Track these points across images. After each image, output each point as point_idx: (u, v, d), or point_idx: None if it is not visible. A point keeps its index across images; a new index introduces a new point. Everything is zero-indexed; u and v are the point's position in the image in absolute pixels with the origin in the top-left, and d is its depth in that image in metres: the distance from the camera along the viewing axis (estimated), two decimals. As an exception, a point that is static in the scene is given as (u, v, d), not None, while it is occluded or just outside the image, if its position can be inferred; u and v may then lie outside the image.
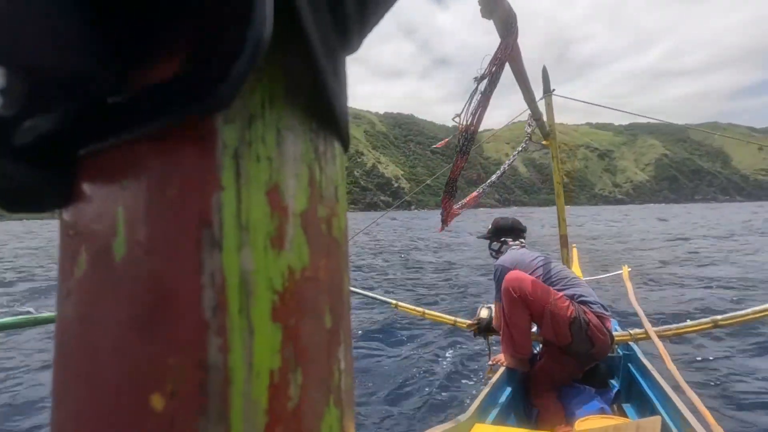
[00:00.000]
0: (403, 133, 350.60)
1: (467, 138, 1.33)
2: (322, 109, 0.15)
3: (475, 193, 2.12)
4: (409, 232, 21.18)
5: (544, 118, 2.31)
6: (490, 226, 2.15)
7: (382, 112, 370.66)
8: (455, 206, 1.72)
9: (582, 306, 1.69)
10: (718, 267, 7.34)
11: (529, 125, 2.17)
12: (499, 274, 1.84)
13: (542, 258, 1.93)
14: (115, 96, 0.12)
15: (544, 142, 2.42)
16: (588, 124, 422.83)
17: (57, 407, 0.13)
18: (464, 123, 1.29)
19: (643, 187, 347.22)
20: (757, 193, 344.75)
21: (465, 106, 1.28)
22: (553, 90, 2.41)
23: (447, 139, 1.78)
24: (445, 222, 1.74)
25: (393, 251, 11.69)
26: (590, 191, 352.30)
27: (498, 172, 2.28)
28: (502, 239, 2.07)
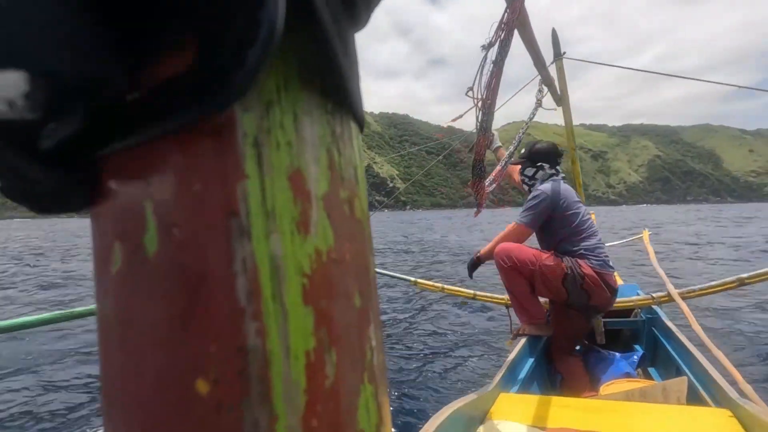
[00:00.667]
0: (398, 133, 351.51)
1: (485, 113, 1.21)
2: (336, 90, 0.15)
3: (498, 167, 1.99)
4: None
5: (556, 84, 2.22)
6: (523, 151, 2.02)
7: (377, 112, 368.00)
8: (487, 186, 1.65)
9: (578, 260, 1.70)
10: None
11: (540, 91, 2.11)
12: (540, 201, 1.77)
13: (578, 199, 1.90)
14: (131, 94, 0.12)
15: (555, 108, 2.31)
16: (582, 125, 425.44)
17: (106, 400, 0.13)
18: (479, 97, 1.17)
19: (636, 188, 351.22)
20: (747, 194, 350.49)
21: (476, 78, 1.16)
22: (564, 53, 2.33)
23: (461, 114, 1.73)
24: (479, 205, 1.74)
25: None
26: (584, 192, 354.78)
27: (514, 142, 2.14)
28: (539, 164, 1.92)
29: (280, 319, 0.12)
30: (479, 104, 1.17)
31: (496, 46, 1.06)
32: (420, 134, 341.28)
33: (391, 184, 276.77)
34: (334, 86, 0.14)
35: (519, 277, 1.75)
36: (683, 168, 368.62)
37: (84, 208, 0.14)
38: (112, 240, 0.13)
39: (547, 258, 1.73)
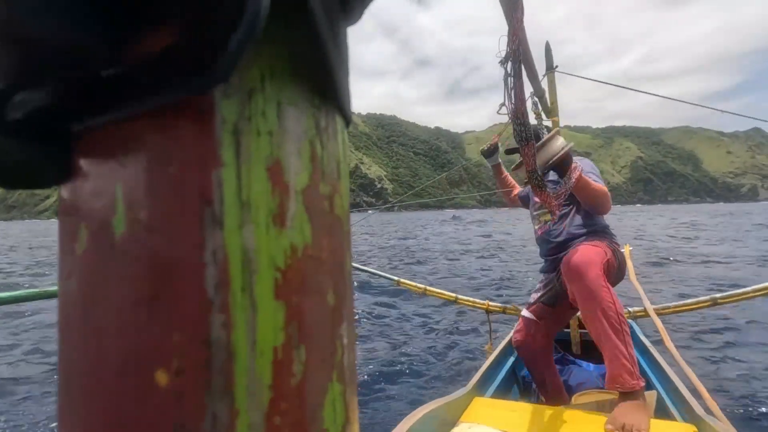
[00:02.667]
0: (386, 134, 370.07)
1: (521, 123, 1.14)
2: (324, 83, 0.15)
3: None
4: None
5: (547, 96, 2.23)
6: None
7: (364, 112, 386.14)
8: (551, 193, 1.43)
9: (613, 242, 1.62)
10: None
11: (535, 104, 2.05)
12: (588, 163, 1.62)
13: None
14: (108, 70, 0.11)
15: (547, 120, 2.29)
16: (566, 126, 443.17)
17: (63, 383, 0.13)
18: (512, 110, 1.14)
19: (620, 188, 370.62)
20: (725, 194, 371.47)
21: (505, 94, 1.15)
22: (556, 67, 2.27)
23: (500, 133, 1.71)
24: (554, 214, 1.58)
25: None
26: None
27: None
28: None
29: (249, 312, 0.12)
30: (512, 117, 1.15)
31: (510, 59, 1.09)
32: (408, 135, 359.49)
33: (379, 185, 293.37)
34: (322, 79, 0.14)
35: (616, 296, 1.32)
36: (665, 169, 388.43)
37: (53, 184, 0.14)
38: (79, 220, 0.13)
39: (604, 243, 1.52)
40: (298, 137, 0.14)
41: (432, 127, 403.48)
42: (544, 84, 2.23)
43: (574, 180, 1.38)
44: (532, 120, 1.74)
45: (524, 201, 1.96)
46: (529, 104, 1.88)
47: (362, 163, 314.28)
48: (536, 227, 1.76)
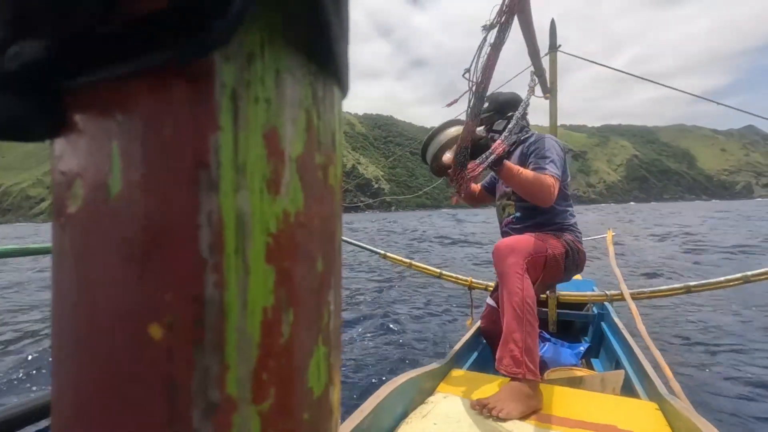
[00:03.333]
0: (383, 134, 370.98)
1: (478, 98, 1.12)
2: (323, 52, 0.14)
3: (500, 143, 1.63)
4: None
5: (547, 75, 2.15)
6: (487, 104, 1.64)
7: (361, 113, 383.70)
8: (470, 170, 1.37)
9: (568, 235, 1.55)
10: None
11: (532, 80, 1.98)
12: (554, 149, 1.47)
13: None
14: (104, 26, 0.11)
15: (545, 96, 2.20)
16: (562, 125, 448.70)
17: (56, 337, 0.14)
18: (474, 80, 1.10)
19: (615, 186, 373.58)
20: (720, 192, 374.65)
21: (473, 60, 1.10)
22: (559, 46, 2.17)
23: (457, 98, 1.52)
24: (458, 193, 1.48)
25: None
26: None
27: (513, 121, 1.68)
28: (509, 114, 1.63)
29: (241, 273, 0.12)
30: (473, 88, 1.11)
31: (495, 29, 1.03)
32: (404, 135, 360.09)
33: (376, 185, 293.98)
34: (320, 47, 0.14)
35: (529, 285, 1.31)
36: (660, 167, 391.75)
37: (44, 138, 0.14)
38: (74, 177, 0.13)
39: (550, 237, 1.46)
40: (295, 105, 0.14)
41: (428, 127, 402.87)
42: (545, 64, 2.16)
43: (489, 161, 1.31)
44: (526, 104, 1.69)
45: (490, 190, 1.87)
46: (527, 81, 1.92)
47: (359, 163, 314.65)
48: (502, 218, 1.73)
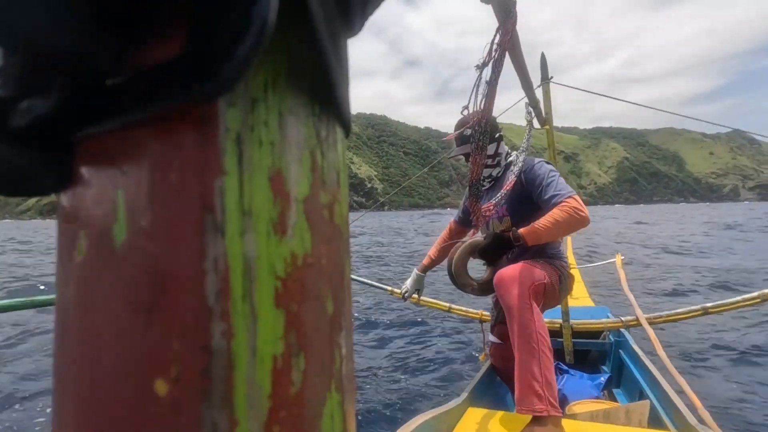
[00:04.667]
0: (376, 134, 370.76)
1: (482, 132, 1.17)
2: (325, 93, 0.15)
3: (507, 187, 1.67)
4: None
5: (541, 106, 2.18)
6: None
7: (354, 112, 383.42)
8: (483, 205, 1.46)
9: (558, 261, 1.57)
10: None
11: (529, 113, 1.96)
12: (556, 173, 1.45)
13: None
14: (113, 77, 0.12)
15: (544, 127, 2.23)
16: (554, 127, 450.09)
17: (58, 392, 0.13)
18: (476, 116, 1.16)
19: (606, 188, 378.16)
20: (708, 195, 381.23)
21: (470, 97, 1.15)
22: (551, 77, 2.25)
23: (452, 135, 1.60)
24: (475, 226, 1.52)
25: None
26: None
27: (522, 148, 1.78)
28: (498, 136, 1.59)
29: (249, 321, 0.12)
30: (475, 123, 1.16)
31: (489, 66, 1.09)
32: (398, 135, 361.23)
33: (369, 185, 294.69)
34: (322, 89, 0.15)
35: (539, 315, 1.30)
36: (650, 170, 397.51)
37: (54, 191, 0.14)
38: (79, 227, 0.13)
39: (546, 265, 1.46)
40: (300, 147, 0.14)
41: (422, 127, 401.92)
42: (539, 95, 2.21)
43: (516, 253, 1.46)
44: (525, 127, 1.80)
45: (464, 221, 1.84)
46: (523, 113, 1.91)
47: (352, 163, 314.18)
48: None
